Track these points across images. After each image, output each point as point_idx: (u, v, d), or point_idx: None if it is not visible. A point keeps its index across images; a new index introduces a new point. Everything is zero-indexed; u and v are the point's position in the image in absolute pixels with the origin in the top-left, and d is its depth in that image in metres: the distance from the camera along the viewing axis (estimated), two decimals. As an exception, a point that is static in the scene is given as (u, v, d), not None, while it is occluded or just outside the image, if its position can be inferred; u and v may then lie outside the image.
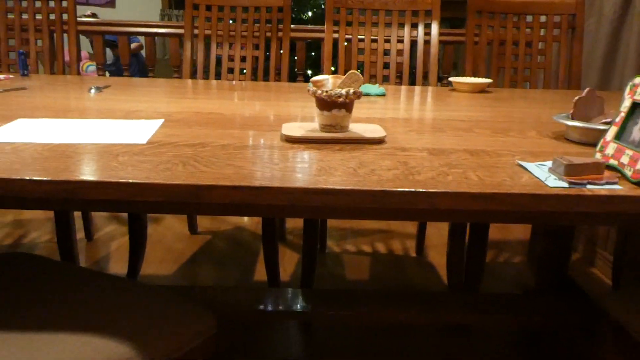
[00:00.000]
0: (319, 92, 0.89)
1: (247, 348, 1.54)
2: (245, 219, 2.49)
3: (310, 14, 3.60)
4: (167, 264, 2.04)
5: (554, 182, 0.69)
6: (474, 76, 1.92)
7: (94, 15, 4.48)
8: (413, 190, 0.67)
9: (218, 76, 2.00)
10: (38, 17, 1.97)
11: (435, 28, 1.94)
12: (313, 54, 3.44)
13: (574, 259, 1.76)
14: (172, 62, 2.58)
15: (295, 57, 2.54)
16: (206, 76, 2.00)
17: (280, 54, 1.99)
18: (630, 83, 0.82)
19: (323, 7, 3.34)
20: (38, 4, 1.96)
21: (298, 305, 1.45)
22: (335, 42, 1.96)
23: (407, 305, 1.47)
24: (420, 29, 1.95)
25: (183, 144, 0.86)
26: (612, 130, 0.80)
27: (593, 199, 0.66)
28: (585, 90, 0.96)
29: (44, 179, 0.67)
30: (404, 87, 1.81)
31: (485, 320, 1.52)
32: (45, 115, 1.07)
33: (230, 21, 1.99)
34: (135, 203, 0.80)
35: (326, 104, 0.90)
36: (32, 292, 0.88)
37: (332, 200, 0.68)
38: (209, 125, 1.02)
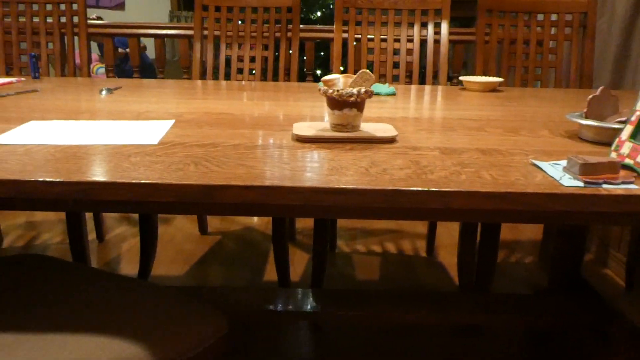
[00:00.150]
0: (330, 91, 0.89)
1: (257, 348, 1.54)
2: (255, 219, 2.50)
3: (319, 14, 3.60)
4: (177, 264, 2.04)
5: (569, 182, 0.68)
6: (484, 75, 1.91)
7: (99, 18, 4.51)
8: (426, 189, 0.66)
9: (227, 77, 2.00)
10: (49, 20, 1.98)
11: (445, 27, 1.93)
12: (322, 54, 3.43)
13: (586, 260, 1.74)
14: (181, 63, 2.59)
15: (305, 57, 2.54)
16: (215, 77, 2.00)
17: (290, 54, 1.99)
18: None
19: (332, 7, 3.35)
20: (49, 7, 1.97)
21: (308, 306, 1.45)
22: (345, 42, 1.96)
23: (417, 306, 1.47)
24: (430, 28, 1.95)
25: (194, 144, 0.87)
26: (628, 129, 0.79)
27: (609, 199, 0.65)
28: (599, 89, 0.95)
29: (57, 180, 0.67)
30: (414, 87, 1.80)
31: (497, 320, 1.50)
32: (57, 117, 1.08)
33: (240, 22, 2.00)
34: (147, 204, 0.80)
35: (337, 103, 0.90)
36: (45, 293, 0.89)
37: (344, 200, 0.67)
38: (219, 126, 1.02)
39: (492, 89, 1.69)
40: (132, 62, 2.66)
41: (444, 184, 0.68)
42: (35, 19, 1.98)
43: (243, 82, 1.87)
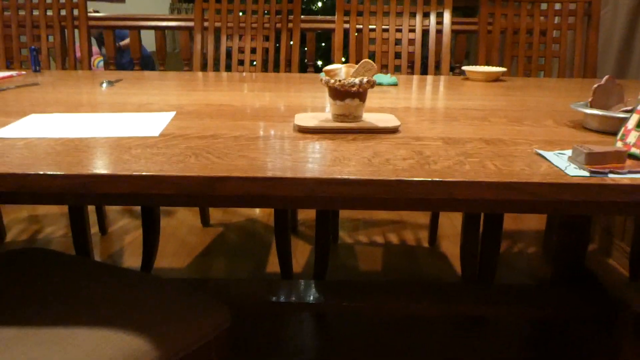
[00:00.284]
0: (332, 81, 0.88)
1: (260, 340, 1.55)
2: (257, 210, 2.49)
3: (320, 4, 3.58)
4: (180, 256, 2.04)
5: (575, 171, 0.67)
6: (487, 65, 1.89)
7: (95, 12, 4.48)
8: (430, 179, 0.66)
9: (228, 68, 1.99)
10: (49, 13, 1.97)
11: (447, 17, 1.91)
12: (323, 44, 3.41)
13: (589, 250, 1.74)
14: (182, 55, 2.58)
15: (306, 48, 2.52)
16: (216, 68, 1.99)
17: (291, 45, 1.98)
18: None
19: (333, -3, 3.32)
20: (49, 0, 1.96)
21: (311, 297, 1.45)
22: (346, 32, 1.94)
23: (420, 297, 1.47)
24: (432, 17, 1.93)
25: (195, 136, 0.86)
26: (634, 119, 0.78)
27: (615, 188, 0.64)
28: (604, 78, 0.94)
29: (57, 173, 0.67)
30: (416, 77, 1.79)
31: (500, 311, 1.50)
32: (58, 111, 1.07)
33: (240, 13, 1.98)
34: (149, 196, 0.80)
35: (339, 93, 0.89)
36: (48, 287, 0.89)
37: (346, 190, 0.67)
38: (220, 117, 1.01)
39: (495, 78, 1.68)
40: (133, 54, 2.65)
41: (448, 174, 0.67)
42: (35, 12, 1.96)
43: (244, 74, 1.86)
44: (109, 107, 1.12)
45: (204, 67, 1.99)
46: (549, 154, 0.75)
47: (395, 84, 1.53)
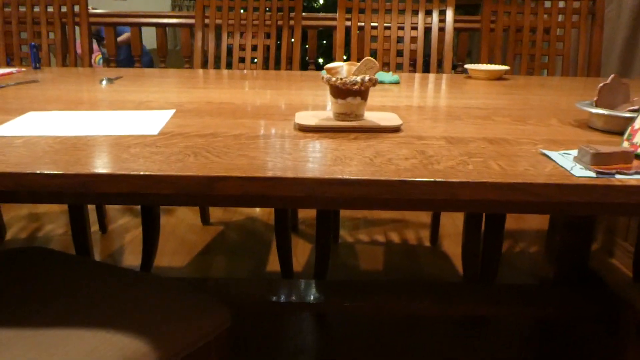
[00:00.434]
0: (334, 79, 0.87)
1: (261, 339, 1.54)
2: (258, 209, 2.48)
3: (321, 1, 3.56)
4: (180, 255, 2.04)
5: (581, 172, 0.66)
6: (490, 64, 1.88)
7: (94, 9, 4.47)
8: (433, 180, 0.64)
9: (229, 66, 1.98)
10: (50, 9, 1.96)
11: (450, 14, 1.90)
12: (325, 42, 3.40)
13: (592, 249, 1.73)
14: (183, 53, 2.57)
15: (307, 46, 2.51)
16: (217, 66, 1.98)
17: (292, 42, 1.97)
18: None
19: (334, -5, 3.30)
20: (49, -4, 1.95)
21: (311, 297, 1.44)
22: (348, 30, 1.93)
23: (421, 297, 1.46)
24: (435, 15, 1.91)
25: (195, 134, 0.85)
26: (640, 118, 0.76)
27: (622, 190, 0.63)
28: (610, 77, 0.92)
29: (54, 172, 0.66)
30: (418, 75, 1.78)
31: (502, 311, 1.49)
32: (57, 108, 1.06)
33: (242, 10, 1.97)
34: (147, 195, 0.79)
35: (341, 91, 0.87)
36: (47, 287, 0.88)
37: (348, 191, 0.66)
38: (220, 115, 1.00)
39: (498, 77, 1.67)
40: (133, 51, 2.64)
41: (452, 175, 0.66)
42: (36, 9, 1.95)
43: (245, 71, 1.84)
44: (108, 105, 1.10)
45: (204, 65, 1.98)
46: (554, 154, 0.74)
47: (397, 82, 1.52)
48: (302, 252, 2.07)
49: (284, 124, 0.93)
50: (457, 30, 2.37)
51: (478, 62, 1.89)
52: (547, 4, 1.91)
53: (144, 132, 0.86)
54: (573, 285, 1.59)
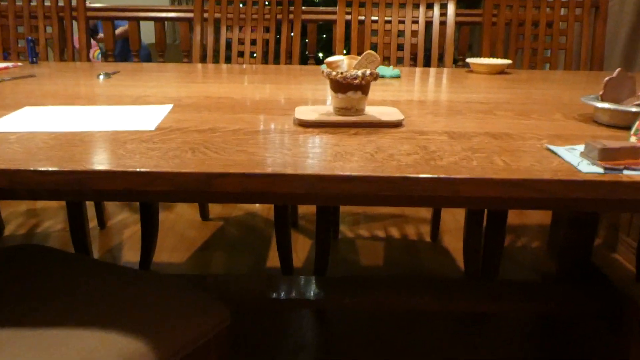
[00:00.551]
0: (334, 73, 0.85)
1: (260, 336, 1.53)
2: (257, 204, 2.47)
3: (321, -5, 3.53)
4: (179, 251, 2.02)
5: (588, 168, 0.64)
6: (491, 58, 1.86)
7: (90, 3, 4.44)
8: (436, 176, 0.63)
9: (228, 60, 1.96)
10: (47, 3, 1.94)
11: (451, 8, 1.88)
12: (324, 36, 3.37)
13: (595, 245, 1.72)
14: (182, 47, 2.54)
15: (307, 40, 2.49)
16: (216, 60, 1.96)
17: (292, 36, 1.95)
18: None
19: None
20: (47, -10, 1.93)
21: (311, 293, 1.43)
22: (348, 24, 1.91)
23: (422, 292, 1.44)
24: (436, 9, 1.89)
25: (192, 129, 0.83)
26: (648, 112, 0.75)
27: (630, 186, 0.61)
28: (616, 71, 0.91)
29: (48, 169, 0.64)
30: (419, 69, 1.76)
31: (504, 307, 1.48)
32: (53, 103, 1.04)
33: (241, 4, 1.95)
34: (145, 192, 0.77)
35: (341, 86, 0.86)
36: (46, 286, 0.87)
37: (348, 187, 0.64)
38: (219, 110, 0.99)
39: (500, 71, 1.65)
40: (132, 46, 2.62)
41: (455, 171, 0.64)
42: (33, 2, 1.93)
43: (244, 66, 1.83)
44: (105, 100, 1.09)
45: (203, 59, 1.96)
46: (559, 150, 0.72)
47: (397, 77, 1.50)
48: (302, 248, 2.05)
49: (283, 119, 0.92)
50: (458, 24, 2.35)
51: (479, 56, 1.87)
52: (550, -3, 1.89)
53: (140, 127, 0.84)
54: (575, 281, 1.58)
